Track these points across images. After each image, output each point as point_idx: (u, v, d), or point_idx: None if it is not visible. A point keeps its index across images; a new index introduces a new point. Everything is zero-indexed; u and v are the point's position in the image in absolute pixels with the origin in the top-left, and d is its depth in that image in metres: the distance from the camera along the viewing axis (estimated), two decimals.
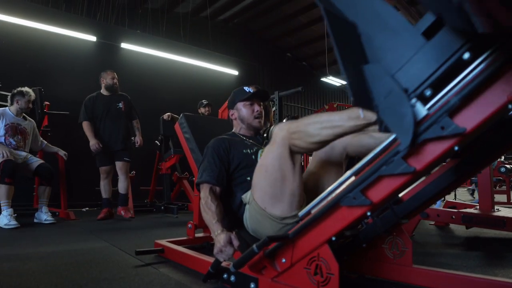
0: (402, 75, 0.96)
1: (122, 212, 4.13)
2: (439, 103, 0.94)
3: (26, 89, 3.65)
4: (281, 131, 1.38)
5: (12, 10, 5.22)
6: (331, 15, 0.99)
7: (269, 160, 1.41)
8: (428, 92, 0.93)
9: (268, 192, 1.44)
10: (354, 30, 1.03)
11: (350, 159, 2.27)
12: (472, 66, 0.89)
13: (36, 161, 3.59)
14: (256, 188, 1.50)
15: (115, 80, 4.25)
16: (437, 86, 0.93)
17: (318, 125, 1.27)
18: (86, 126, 4.09)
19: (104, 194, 4.15)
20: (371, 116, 1.11)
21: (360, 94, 0.98)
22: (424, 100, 0.95)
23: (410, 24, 0.95)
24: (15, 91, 3.63)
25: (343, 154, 1.62)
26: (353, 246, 1.54)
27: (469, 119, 0.90)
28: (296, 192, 1.40)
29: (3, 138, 3.52)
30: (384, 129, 1.01)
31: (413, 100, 0.95)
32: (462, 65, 0.89)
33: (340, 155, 1.62)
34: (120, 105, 4.28)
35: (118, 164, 4.22)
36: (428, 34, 0.93)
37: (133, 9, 6.98)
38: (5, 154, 3.29)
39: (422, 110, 0.95)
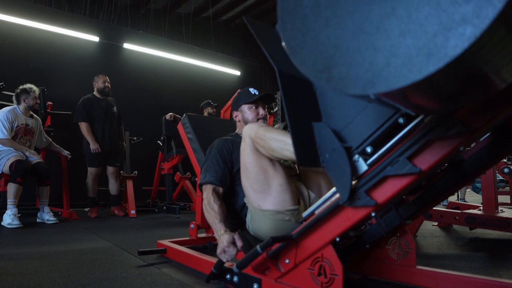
0: (348, 132, 1.04)
1: (116, 212, 4.44)
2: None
3: (28, 85, 3.66)
4: (250, 130, 1.46)
5: (15, 10, 5.23)
6: (285, 76, 1.04)
7: (246, 158, 1.48)
8: (369, 149, 1.01)
9: (256, 189, 1.48)
10: (310, 87, 1.11)
11: None
12: (406, 129, 0.96)
13: (34, 159, 3.60)
14: (246, 189, 1.54)
15: (107, 84, 4.38)
16: (377, 144, 1.01)
17: (281, 144, 1.32)
18: (85, 127, 4.19)
19: (92, 193, 4.33)
20: None
21: (305, 153, 1.04)
22: (366, 156, 1.03)
23: None
24: (19, 90, 3.63)
25: None
26: (357, 247, 1.54)
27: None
28: (283, 182, 1.44)
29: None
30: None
31: (356, 156, 1.03)
32: (398, 127, 0.96)
33: None
34: (114, 109, 4.47)
35: (110, 169, 4.45)
36: None
37: (135, 9, 6.99)
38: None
39: (363, 165, 1.03)
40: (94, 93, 4.39)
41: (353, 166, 1.02)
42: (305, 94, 1.09)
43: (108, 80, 4.41)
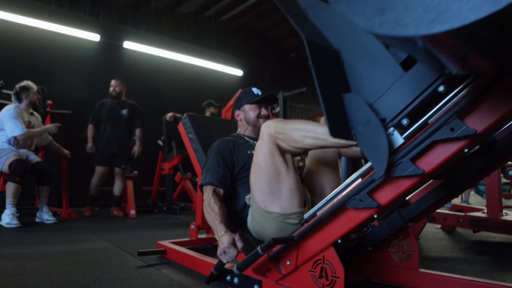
0: (381, 104, 0.99)
1: (115, 212, 4.46)
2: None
3: (26, 82, 3.65)
4: (267, 128, 1.41)
5: (15, 8, 5.22)
6: (313, 45, 1.00)
7: (261, 157, 1.44)
8: (405, 122, 0.96)
9: (265, 190, 1.45)
10: (337, 58, 1.06)
11: (355, 161, 2.27)
12: (447, 98, 0.92)
13: (34, 158, 3.58)
14: (254, 187, 1.50)
15: (113, 88, 4.52)
16: (414, 116, 0.96)
17: (303, 132, 1.29)
18: (88, 129, 4.48)
19: (92, 192, 4.38)
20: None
21: (337, 124, 0.99)
22: (402, 129, 0.98)
23: (389, 54, 0.98)
24: (18, 88, 3.60)
25: (336, 153, 1.68)
26: (359, 249, 1.52)
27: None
28: (294, 187, 1.41)
29: (13, 138, 3.50)
30: (363, 154, 1.03)
31: (391, 129, 0.98)
32: (438, 96, 0.92)
33: (333, 154, 1.68)
34: (124, 112, 4.53)
35: (116, 170, 4.53)
36: (406, 65, 0.95)
37: (136, 8, 6.98)
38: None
39: (399, 139, 0.98)
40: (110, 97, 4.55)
41: (388, 139, 0.96)
42: (333, 65, 1.05)
43: (117, 84, 4.52)
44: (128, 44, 6.42)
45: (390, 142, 0.98)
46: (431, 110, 0.95)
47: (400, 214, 1.42)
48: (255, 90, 1.87)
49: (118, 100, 4.52)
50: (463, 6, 0.43)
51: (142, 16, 7.01)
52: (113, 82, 4.54)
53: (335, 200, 1.17)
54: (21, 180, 3.28)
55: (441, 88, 0.89)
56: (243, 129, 1.92)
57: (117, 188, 4.52)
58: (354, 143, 1.04)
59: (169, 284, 1.53)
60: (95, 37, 6.00)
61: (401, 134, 0.98)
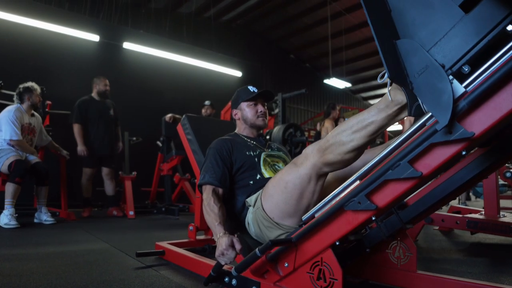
0: (437, 51, 0.91)
1: (115, 212, 4.46)
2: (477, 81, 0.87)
3: (30, 83, 3.64)
4: (312, 158, 1.27)
5: (15, 8, 5.22)
6: None
7: (293, 178, 1.33)
8: (466, 69, 0.87)
9: (281, 208, 1.41)
10: (384, 7, 0.99)
11: None
12: None
13: (33, 159, 3.58)
14: (268, 198, 1.46)
15: (108, 87, 4.48)
16: (476, 62, 0.87)
17: (348, 130, 1.15)
18: (77, 129, 4.28)
19: (86, 194, 4.40)
20: (401, 98, 1.04)
21: (395, 69, 0.92)
22: (462, 77, 0.89)
23: None
24: (21, 89, 3.60)
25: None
26: (357, 251, 1.51)
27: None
28: (310, 208, 1.35)
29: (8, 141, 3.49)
30: (415, 111, 0.96)
31: (450, 77, 0.89)
32: (505, 38, 0.83)
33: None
34: (111, 112, 4.53)
35: (105, 170, 4.50)
36: (467, 6, 0.87)
37: (136, 9, 6.99)
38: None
39: (459, 87, 0.89)
40: (92, 94, 4.46)
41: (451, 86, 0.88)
42: (382, 13, 0.98)
43: (108, 83, 4.51)
44: (127, 45, 6.42)
45: (453, 89, 0.88)
46: (495, 54, 0.86)
47: (398, 216, 1.42)
48: (251, 88, 1.88)
49: (103, 99, 4.48)
50: None
51: (141, 17, 7.02)
52: (104, 80, 4.48)
53: (333, 202, 1.17)
54: (20, 181, 3.28)
55: (510, 27, 0.81)
56: (241, 128, 1.92)
57: (109, 188, 4.53)
58: (404, 101, 0.99)
59: (167, 285, 1.53)
60: (94, 37, 6.01)
61: (461, 82, 0.90)
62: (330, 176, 1.58)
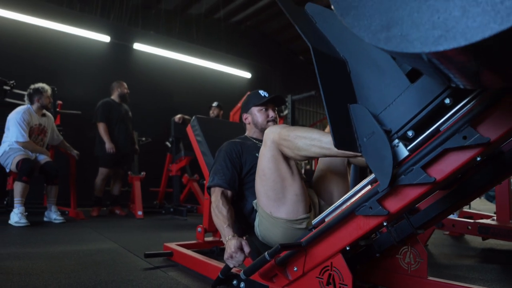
0: (386, 115, 0.98)
1: (117, 211, 4.60)
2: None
3: (40, 85, 3.67)
4: (271, 134, 1.40)
5: (27, 9, 5.29)
6: (319, 53, 1.00)
7: (265, 163, 1.43)
8: (410, 134, 0.96)
9: (270, 196, 1.44)
10: (344, 67, 1.05)
11: (363, 168, 2.25)
12: (453, 111, 0.91)
13: (43, 159, 3.61)
14: (259, 193, 1.50)
15: (126, 90, 4.59)
16: (419, 128, 0.95)
17: (307, 141, 1.26)
18: (103, 127, 4.34)
19: (99, 193, 4.46)
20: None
21: (342, 137, 0.98)
22: (407, 141, 0.98)
23: (396, 64, 0.97)
24: (31, 90, 3.63)
25: (344, 160, 1.66)
26: (367, 256, 1.50)
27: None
28: (299, 192, 1.41)
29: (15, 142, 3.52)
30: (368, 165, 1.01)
31: (396, 141, 0.98)
32: (443, 109, 0.91)
33: (342, 161, 1.67)
34: (130, 114, 4.66)
35: (118, 170, 4.63)
36: (412, 76, 0.95)
37: (147, 10, 7.02)
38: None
39: (404, 150, 0.98)
40: (112, 97, 4.53)
41: (393, 152, 0.96)
42: (339, 75, 1.04)
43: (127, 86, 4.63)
44: (138, 46, 6.48)
45: (395, 154, 0.97)
46: (435, 123, 0.94)
47: (409, 221, 1.40)
48: (262, 93, 1.88)
49: (122, 103, 4.58)
50: (470, 24, 0.43)
51: (152, 18, 7.05)
52: (124, 83, 4.59)
53: (344, 206, 1.15)
54: (27, 179, 3.30)
55: (447, 101, 0.89)
56: (251, 132, 1.92)
57: (117, 188, 4.66)
58: (359, 154, 1.03)
59: (175, 287, 1.53)
60: (105, 38, 6.07)
61: (406, 146, 0.98)
62: (324, 166, 1.70)
